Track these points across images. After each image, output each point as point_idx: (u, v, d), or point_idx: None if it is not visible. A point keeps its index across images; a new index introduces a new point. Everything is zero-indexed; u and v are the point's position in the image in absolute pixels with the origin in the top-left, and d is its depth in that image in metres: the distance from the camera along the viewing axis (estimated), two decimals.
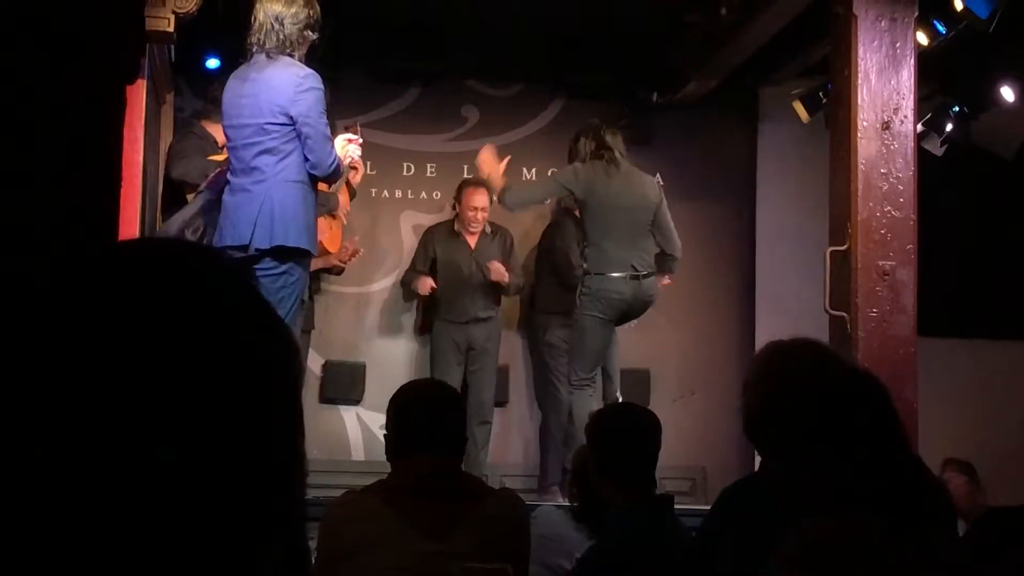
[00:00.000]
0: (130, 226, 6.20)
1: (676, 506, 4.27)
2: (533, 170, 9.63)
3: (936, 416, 7.75)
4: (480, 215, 8.73)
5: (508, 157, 7.64)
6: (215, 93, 7.15)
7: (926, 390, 6.65)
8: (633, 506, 4.09)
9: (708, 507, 2.50)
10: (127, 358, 0.90)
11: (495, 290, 8.75)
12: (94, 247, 0.99)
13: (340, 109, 8.26)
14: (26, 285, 0.95)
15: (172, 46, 7.24)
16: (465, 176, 9.33)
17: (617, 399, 7.57)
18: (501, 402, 9.27)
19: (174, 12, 6.34)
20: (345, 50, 8.67)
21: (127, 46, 2.71)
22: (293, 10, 5.85)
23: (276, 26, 5.82)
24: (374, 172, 9.38)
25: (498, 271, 8.56)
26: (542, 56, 9.10)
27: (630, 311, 7.60)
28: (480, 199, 8.72)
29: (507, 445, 9.31)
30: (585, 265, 7.53)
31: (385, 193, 9.61)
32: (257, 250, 5.65)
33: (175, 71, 8.04)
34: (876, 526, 2.24)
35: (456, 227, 8.83)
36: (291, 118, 5.75)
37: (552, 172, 8.04)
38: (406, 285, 9.02)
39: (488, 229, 8.84)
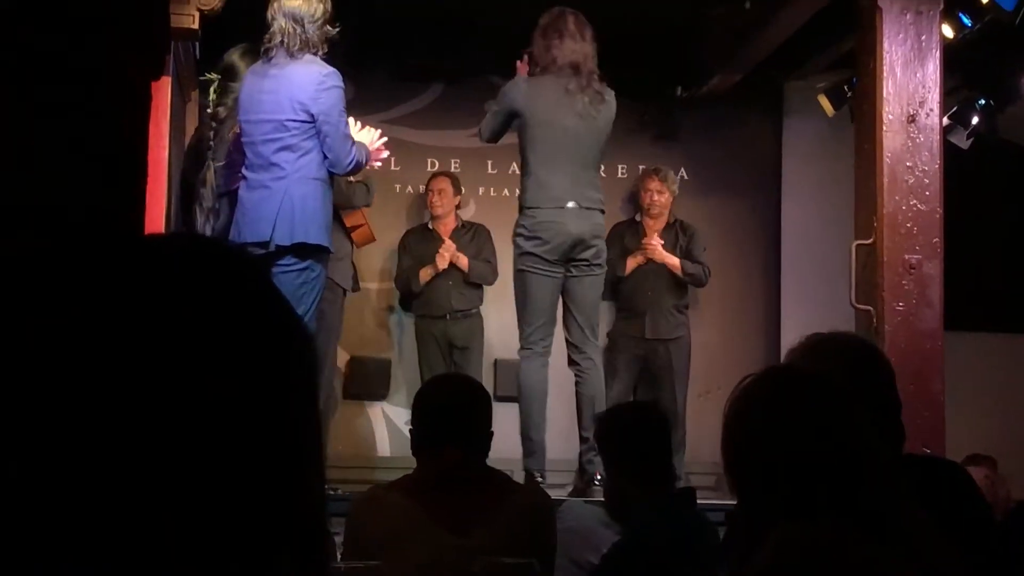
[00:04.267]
0: (155, 223, 6.22)
1: (701, 501, 4.27)
2: None
3: (963, 410, 7.72)
4: (437, 198, 8.89)
5: None
6: None
7: (952, 384, 6.62)
8: (653, 501, 4.09)
9: (733, 502, 2.49)
10: (144, 353, 0.90)
11: (470, 283, 8.79)
12: (116, 243, 1.00)
13: (364, 106, 8.28)
14: (50, 280, 0.95)
15: (197, 43, 7.26)
16: (489, 172, 9.39)
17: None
18: None
19: (199, 9, 6.35)
20: (369, 47, 8.68)
21: (152, 43, 2.72)
22: (311, 9, 5.87)
23: (298, 29, 5.85)
24: (398, 168, 9.39)
25: (448, 248, 8.65)
26: None
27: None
28: (438, 182, 8.97)
29: None
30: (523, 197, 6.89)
31: (409, 189, 9.62)
32: (277, 247, 5.67)
33: (199, 68, 8.06)
34: (853, 531, 2.22)
35: (430, 225, 8.93)
36: (312, 115, 5.77)
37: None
38: (404, 285, 8.90)
39: (461, 224, 8.94)
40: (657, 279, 8.83)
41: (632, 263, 8.83)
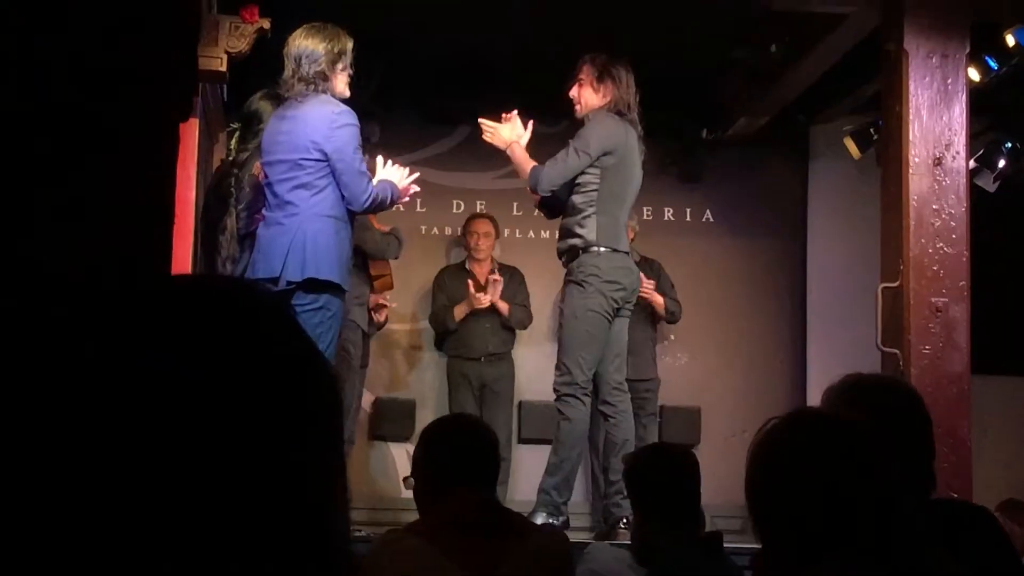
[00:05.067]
0: (182, 263, 6.25)
1: (727, 544, 4.24)
2: None
3: (989, 454, 7.68)
4: (483, 241, 8.86)
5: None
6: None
7: (980, 428, 6.59)
8: (681, 546, 4.06)
9: (759, 546, 2.48)
10: (171, 390, 0.91)
11: (506, 326, 8.79)
12: (143, 283, 1.01)
13: (390, 147, 8.31)
14: (80, 320, 0.96)
15: (224, 85, 7.31)
16: (514, 214, 9.40)
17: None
18: (547, 439, 9.25)
19: (227, 52, 6.41)
20: (395, 90, 8.72)
21: (180, 85, 2.74)
22: (310, 49, 5.91)
23: (296, 68, 5.91)
24: (424, 210, 9.42)
25: (495, 294, 8.63)
26: None
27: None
28: (482, 225, 8.96)
29: None
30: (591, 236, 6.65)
31: (435, 230, 9.64)
32: (288, 282, 5.69)
33: (227, 110, 8.11)
34: (874, 574, 2.20)
35: (467, 265, 8.90)
36: (325, 153, 5.82)
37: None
38: (440, 323, 8.88)
39: (497, 267, 8.92)
40: (635, 318, 8.82)
41: None
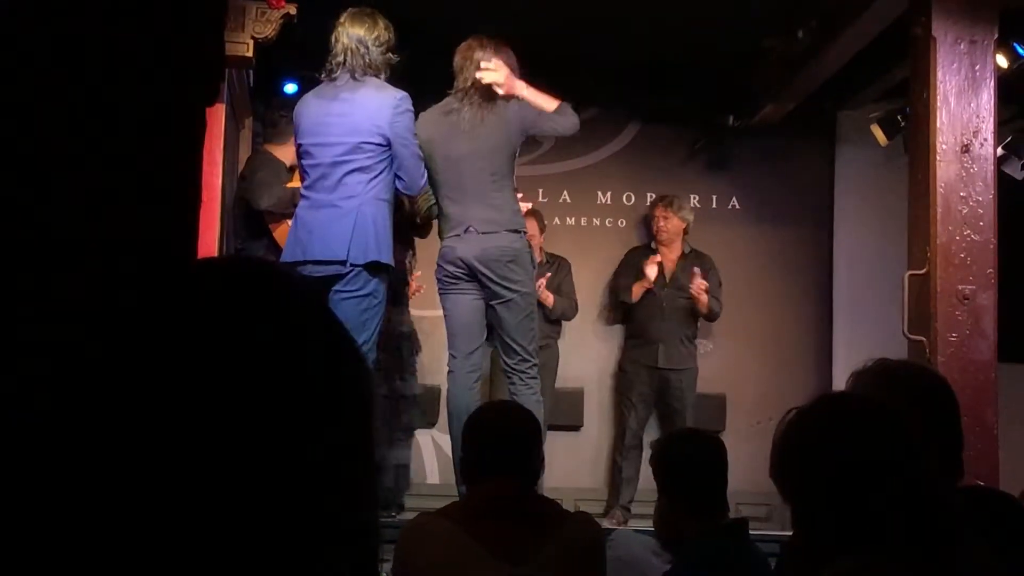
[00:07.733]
0: (209, 249, 6.27)
1: (752, 531, 4.23)
2: (608, 194, 9.62)
3: (1016, 442, 7.64)
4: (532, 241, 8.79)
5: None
6: (275, 118, 7.22)
7: (1007, 416, 6.56)
8: (707, 532, 4.06)
9: (785, 532, 2.48)
10: (201, 374, 0.91)
11: (549, 319, 8.77)
12: (174, 267, 1.01)
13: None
14: (109, 302, 0.96)
15: (251, 71, 7.32)
16: (540, 200, 9.38)
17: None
18: (575, 425, 9.28)
19: (253, 38, 6.42)
20: (423, 75, 8.71)
21: (207, 70, 2.74)
22: (375, 34, 6.00)
23: (362, 50, 5.97)
24: None
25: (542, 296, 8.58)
26: (617, 80, 9.10)
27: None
28: (528, 225, 8.80)
29: (581, 469, 9.28)
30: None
31: None
32: (352, 266, 5.74)
33: (253, 96, 8.12)
34: (910, 564, 2.19)
35: None
36: (386, 138, 5.87)
37: None
38: None
39: (545, 259, 8.92)
40: (671, 309, 8.85)
41: (639, 289, 8.86)
